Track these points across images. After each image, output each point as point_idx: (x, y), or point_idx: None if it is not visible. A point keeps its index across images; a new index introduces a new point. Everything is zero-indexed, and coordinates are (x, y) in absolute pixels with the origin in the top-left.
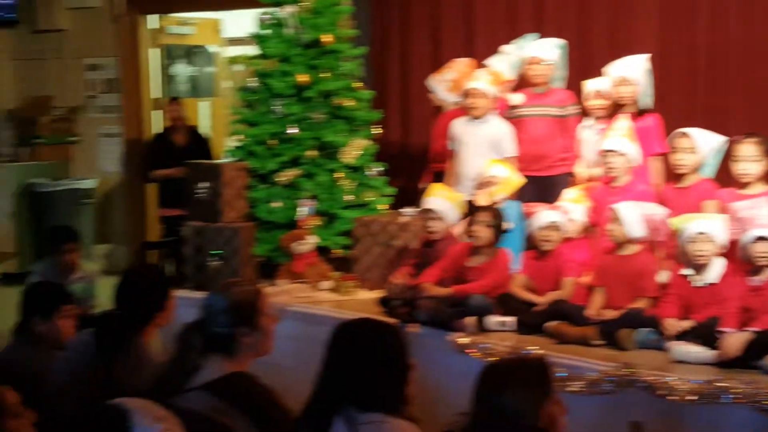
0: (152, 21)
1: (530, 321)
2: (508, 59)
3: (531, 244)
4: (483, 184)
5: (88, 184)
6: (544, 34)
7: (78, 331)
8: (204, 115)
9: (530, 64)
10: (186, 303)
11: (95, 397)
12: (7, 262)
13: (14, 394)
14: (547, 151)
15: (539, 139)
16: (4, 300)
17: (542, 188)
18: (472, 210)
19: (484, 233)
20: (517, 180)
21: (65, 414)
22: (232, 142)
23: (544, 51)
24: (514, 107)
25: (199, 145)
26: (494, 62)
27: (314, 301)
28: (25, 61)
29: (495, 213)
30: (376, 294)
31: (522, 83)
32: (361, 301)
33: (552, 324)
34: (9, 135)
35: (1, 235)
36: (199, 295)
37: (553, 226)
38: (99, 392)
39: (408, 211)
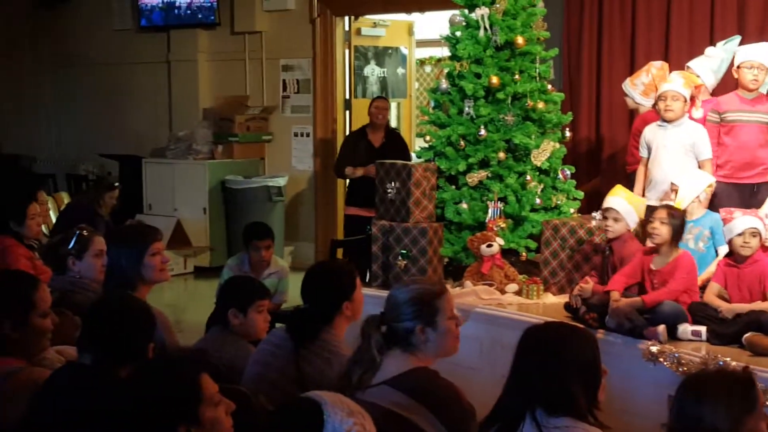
0: (346, 23)
1: (724, 331)
2: (709, 62)
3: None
4: (672, 190)
5: (279, 181)
6: (745, 36)
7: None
8: (393, 116)
9: (743, 68)
10: (372, 301)
11: (288, 391)
12: (200, 256)
13: (213, 383)
14: (756, 158)
15: (749, 145)
16: (198, 292)
17: (747, 195)
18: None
19: (662, 230)
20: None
21: (257, 407)
22: (421, 143)
23: (761, 55)
24: (724, 112)
25: (396, 144)
26: (696, 64)
27: (500, 304)
28: (223, 62)
29: (673, 211)
30: (562, 298)
31: (723, 87)
32: (547, 305)
33: (751, 335)
34: (206, 133)
35: (196, 230)
36: (384, 293)
37: (754, 232)
38: (292, 386)
39: (597, 215)
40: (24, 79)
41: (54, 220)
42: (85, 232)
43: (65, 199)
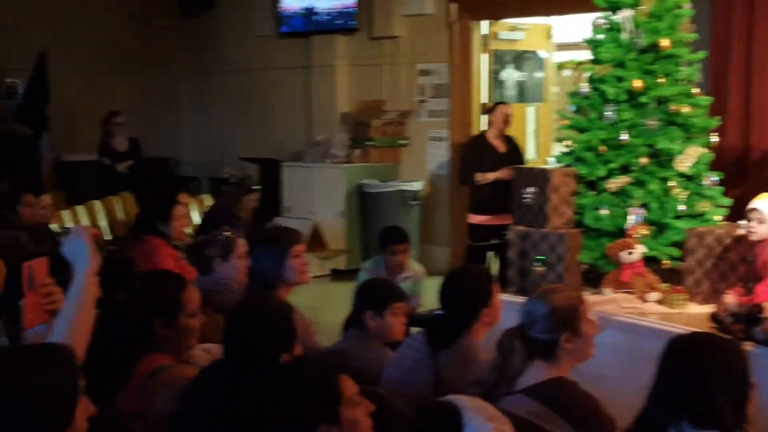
0: (483, 27)
1: None
2: None
3: None
4: None
5: (415, 186)
6: None
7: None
8: (530, 121)
9: None
10: (509, 307)
11: (425, 395)
12: (337, 259)
13: (352, 384)
14: None
15: None
16: (334, 295)
17: None
18: None
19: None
20: None
21: (395, 410)
22: (560, 148)
23: None
24: None
25: (517, 149)
26: None
27: (641, 313)
28: (361, 66)
29: None
30: (707, 308)
31: None
32: (691, 315)
33: None
34: (343, 137)
35: (333, 233)
36: (521, 299)
37: None
38: (429, 390)
39: (744, 223)
40: (169, 85)
41: (196, 221)
42: (229, 234)
43: (207, 201)
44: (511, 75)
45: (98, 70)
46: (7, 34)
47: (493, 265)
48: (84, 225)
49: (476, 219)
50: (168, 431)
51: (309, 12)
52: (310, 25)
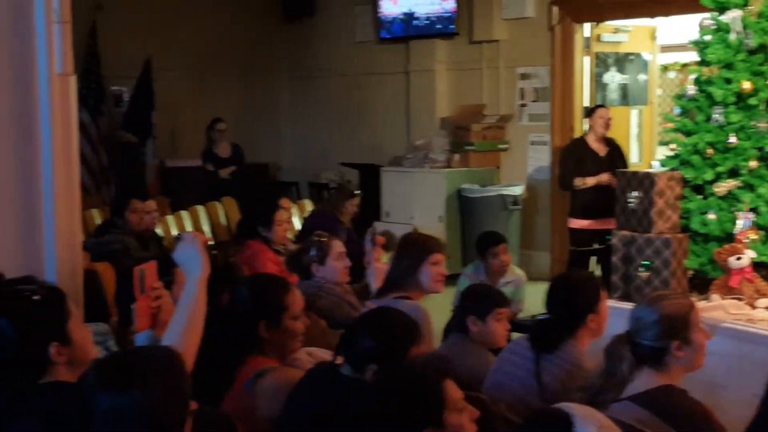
0: (586, 29)
1: None
2: None
3: None
4: None
5: (515, 190)
6: None
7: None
8: (634, 124)
9: None
10: (613, 313)
11: (528, 401)
12: None
13: (457, 389)
14: None
15: None
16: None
17: None
18: None
19: None
20: None
21: (498, 415)
22: (665, 151)
23: None
24: None
25: (618, 152)
26: None
27: (749, 319)
28: (461, 71)
29: None
30: None
31: None
32: None
33: None
34: (443, 142)
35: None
36: (626, 305)
37: None
38: (532, 396)
39: None
40: (269, 91)
41: (297, 226)
42: (323, 238)
43: (308, 206)
44: (614, 78)
45: (202, 77)
46: (113, 43)
47: (596, 270)
48: (194, 231)
49: (578, 223)
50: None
51: (409, 17)
52: (409, 30)
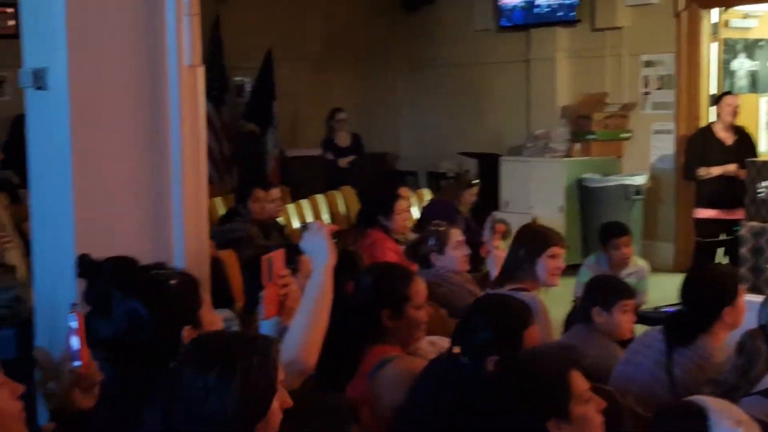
0: (713, 15)
1: None
2: None
3: None
4: None
5: (638, 180)
6: None
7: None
8: (764, 112)
9: None
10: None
11: (657, 393)
12: None
13: (583, 380)
14: None
15: None
16: (553, 290)
17: None
18: None
19: None
20: None
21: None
22: None
23: None
24: None
25: (747, 141)
26: None
27: None
28: (582, 59)
29: None
30: None
31: None
32: None
33: None
34: (563, 131)
35: (553, 227)
36: (756, 298)
37: None
38: (661, 389)
39: None
40: (388, 81)
41: (416, 215)
42: (441, 228)
43: (426, 195)
44: (743, 64)
45: (322, 67)
46: (235, 34)
47: (723, 261)
48: (321, 220)
49: (704, 213)
50: (396, 421)
51: (529, 5)
52: (530, 17)
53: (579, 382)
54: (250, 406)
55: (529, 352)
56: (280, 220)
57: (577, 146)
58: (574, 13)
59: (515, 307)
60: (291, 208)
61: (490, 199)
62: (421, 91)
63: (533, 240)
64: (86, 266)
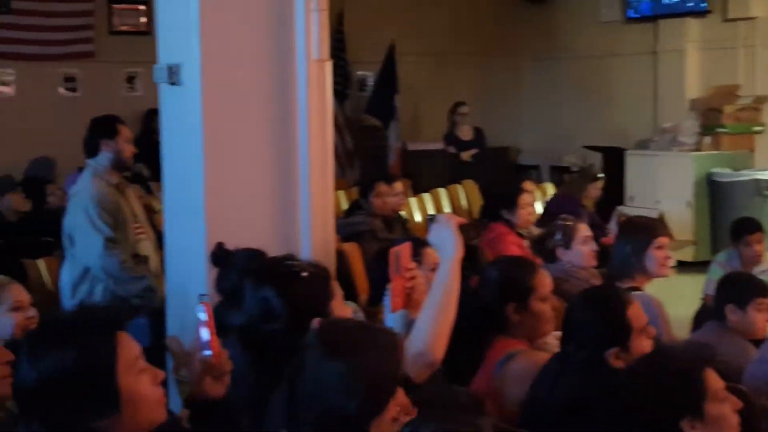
0: None
1: None
2: None
3: None
4: None
5: None
6: None
7: None
8: None
9: None
10: None
11: None
12: (684, 250)
13: (718, 379)
14: None
15: None
16: (681, 286)
17: None
18: None
19: None
20: None
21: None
22: None
23: None
24: None
25: None
26: None
27: None
28: (713, 50)
29: None
30: None
31: None
32: None
33: None
34: (692, 125)
35: (679, 223)
36: None
37: None
38: None
39: None
40: (511, 74)
41: (538, 210)
42: (568, 222)
43: (549, 190)
44: None
45: (444, 60)
46: (358, 29)
47: None
48: (449, 213)
49: None
50: (521, 415)
51: None
52: (658, 8)
53: (714, 380)
54: (372, 398)
55: (662, 348)
56: (403, 213)
57: (707, 140)
58: (705, 4)
59: (613, 294)
60: (413, 201)
61: (614, 193)
62: (545, 84)
63: (638, 233)
64: (220, 256)
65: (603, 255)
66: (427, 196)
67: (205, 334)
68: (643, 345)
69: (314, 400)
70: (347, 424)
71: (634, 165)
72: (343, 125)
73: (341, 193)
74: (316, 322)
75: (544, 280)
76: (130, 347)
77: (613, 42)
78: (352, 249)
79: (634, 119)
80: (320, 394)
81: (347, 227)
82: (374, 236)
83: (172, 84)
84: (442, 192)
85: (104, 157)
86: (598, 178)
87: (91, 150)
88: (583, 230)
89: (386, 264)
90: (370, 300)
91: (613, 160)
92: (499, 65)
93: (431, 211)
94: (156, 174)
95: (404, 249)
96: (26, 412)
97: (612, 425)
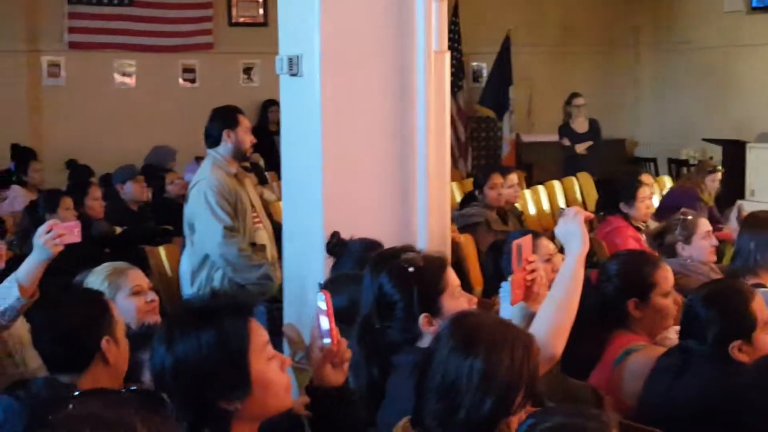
0: None
1: None
2: None
3: None
4: None
5: None
6: None
7: None
8: None
9: None
10: None
11: None
12: None
13: None
14: None
15: None
16: None
17: None
18: None
19: None
20: None
21: None
22: None
23: None
24: None
25: None
26: None
27: None
28: None
29: None
30: None
31: None
32: None
33: None
34: None
35: None
36: None
37: None
38: None
39: None
40: (629, 65)
41: (655, 203)
42: (689, 217)
43: (667, 183)
44: None
45: (559, 51)
46: (473, 20)
47: None
48: (578, 207)
49: None
50: (639, 410)
51: None
52: None
53: None
54: (506, 398)
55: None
56: (517, 205)
57: None
58: None
59: (732, 287)
60: (527, 193)
61: (735, 187)
62: (664, 76)
63: (763, 228)
64: (336, 245)
65: (717, 250)
66: (541, 189)
67: (324, 322)
68: (767, 340)
69: (446, 395)
70: (478, 421)
71: (756, 158)
72: (457, 116)
73: (454, 185)
74: (423, 320)
75: (666, 275)
76: (260, 333)
77: (736, 32)
78: (467, 240)
79: (756, 111)
80: (453, 390)
81: (462, 219)
82: (489, 228)
83: (293, 75)
84: (557, 184)
85: (225, 147)
86: (716, 170)
87: (213, 140)
88: (704, 225)
89: (500, 256)
90: (484, 291)
91: (734, 153)
92: (617, 56)
93: (545, 203)
94: (271, 164)
95: (526, 241)
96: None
97: (735, 423)
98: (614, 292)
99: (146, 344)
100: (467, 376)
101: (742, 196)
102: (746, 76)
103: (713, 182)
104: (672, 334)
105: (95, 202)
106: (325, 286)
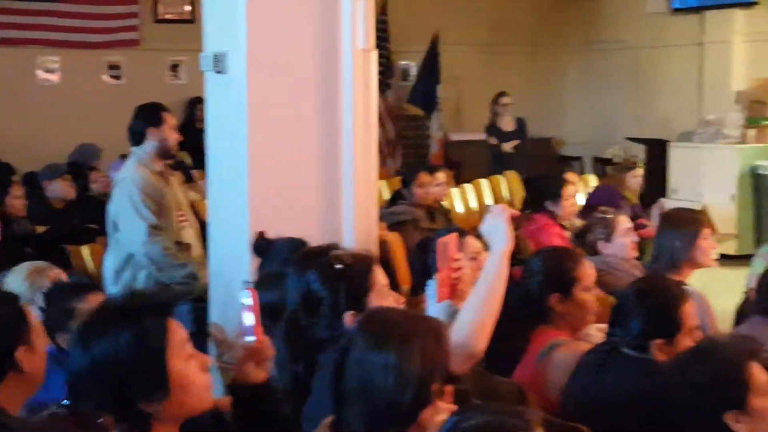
0: None
1: None
2: None
3: None
4: None
5: None
6: None
7: None
8: None
9: None
10: None
11: None
12: (726, 243)
13: (764, 372)
14: None
15: None
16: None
17: None
18: None
19: None
20: None
21: None
22: None
23: None
24: None
25: None
26: None
27: None
28: (761, 42)
29: None
30: None
31: None
32: None
33: None
34: (737, 117)
35: (722, 216)
36: None
37: None
38: None
39: None
40: (555, 64)
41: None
42: (609, 215)
43: (592, 181)
44: None
45: (487, 50)
46: (403, 18)
47: None
48: (504, 204)
49: None
50: (562, 405)
51: None
52: (705, 0)
53: (759, 373)
54: (423, 387)
55: (706, 340)
56: (445, 203)
57: (752, 132)
58: None
59: (668, 287)
60: (455, 192)
61: (657, 186)
62: (589, 75)
63: (687, 225)
64: (262, 245)
65: (639, 247)
66: (468, 187)
67: (248, 319)
68: (688, 344)
69: (364, 393)
70: (400, 414)
71: (678, 157)
72: (386, 115)
73: (382, 183)
74: (349, 317)
75: (588, 271)
76: (179, 332)
77: (658, 33)
78: (394, 238)
79: (678, 111)
80: (370, 387)
81: (389, 217)
82: (416, 226)
83: (218, 72)
84: (484, 183)
85: (149, 144)
86: (636, 167)
87: (137, 137)
88: (624, 222)
89: (428, 254)
90: (411, 290)
91: (657, 152)
92: (543, 56)
93: (473, 202)
94: (197, 162)
95: (451, 240)
96: (77, 397)
97: (655, 418)
98: (537, 288)
99: None
100: (382, 372)
101: (664, 195)
102: (668, 77)
103: (635, 179)
104: (593, 330)
105: (17, 200)
106: (255, 286)
